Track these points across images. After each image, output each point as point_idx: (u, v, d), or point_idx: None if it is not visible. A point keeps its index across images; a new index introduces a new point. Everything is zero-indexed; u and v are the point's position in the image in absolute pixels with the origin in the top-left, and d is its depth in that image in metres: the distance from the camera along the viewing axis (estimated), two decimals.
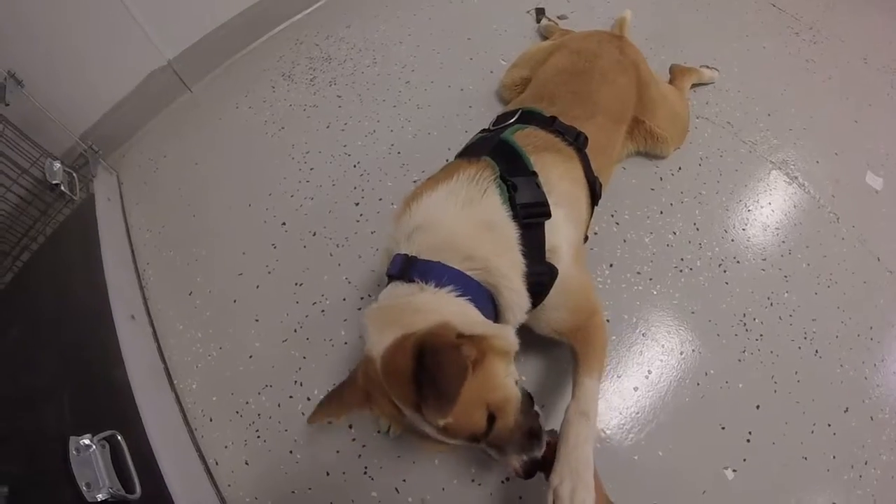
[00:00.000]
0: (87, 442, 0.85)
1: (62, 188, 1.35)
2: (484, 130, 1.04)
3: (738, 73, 1.57)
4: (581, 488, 0.70)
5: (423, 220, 0.79)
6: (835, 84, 1.58)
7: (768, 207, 1.26)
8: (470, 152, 0.92)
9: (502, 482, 0.93)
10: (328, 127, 1.47)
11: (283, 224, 1.30)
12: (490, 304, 0.77)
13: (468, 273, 0.75)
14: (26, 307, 1.06)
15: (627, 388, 1.02)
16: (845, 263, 1.20)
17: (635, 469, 0.94)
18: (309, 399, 1.06)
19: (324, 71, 1.62)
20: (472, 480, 0.94)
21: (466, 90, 1.50)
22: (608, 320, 1.07)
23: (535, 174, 0.83)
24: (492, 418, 0.68)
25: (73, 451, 0.83)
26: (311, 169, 1.38)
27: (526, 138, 0.91)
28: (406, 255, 0.76)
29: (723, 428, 0.97)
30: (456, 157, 0.97)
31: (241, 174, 1.44)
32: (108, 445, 0.88)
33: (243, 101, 1.62)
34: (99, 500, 0.81)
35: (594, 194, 0.97)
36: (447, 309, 0.71)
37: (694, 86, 1.50)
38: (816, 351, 1.08)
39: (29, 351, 0.97)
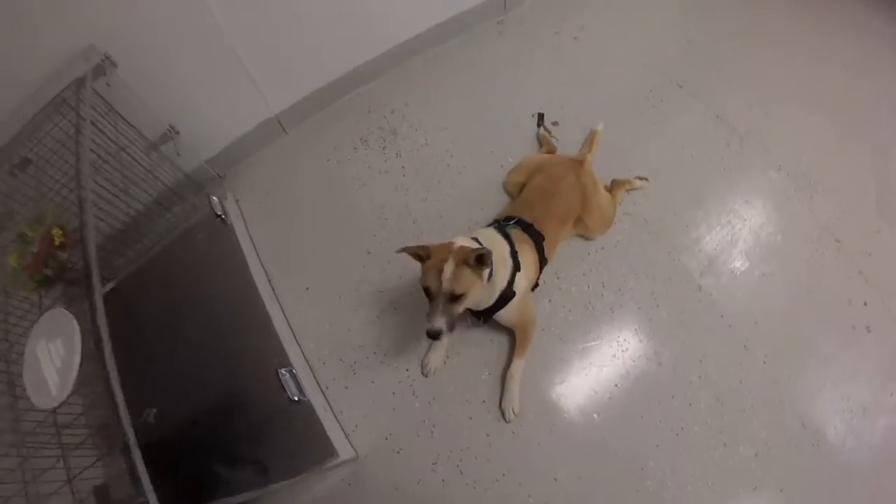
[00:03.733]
0: (284, 371, 1.77)
1: (223, 217, 2.15)
2: (496, 221, 1.89)
3: (663, 177, 2.27)
4: (511, 405, 1.81)
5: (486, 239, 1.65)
6: (741, 189, 2.27)
7: (651, 277, 2.07)
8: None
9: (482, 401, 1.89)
10: (395, 189, 2.30)
11: (369, 253, 2.16)
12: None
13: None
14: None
15: (550, 364, 1.95)
16: (695, 317, 2.00)
17: (545, 403, 1.88)
18: (385, 354, 1.97)
19: (391, 143, 2.43)
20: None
21: (485, 178, 2.27)
22: (542, 329, 1.97)
23: (516, 252, 1.73)
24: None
25: (281, 375, 1.75)
26: (386, 219, 2.23)
27: (516, 235, 1.79)
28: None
29: (595, 392, 1.90)
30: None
31: (336, 212, 2.26)
32: (290, 374, 1.79)
33: (332, 155, 2.41)
34: (295, 399, 1.73)
35: (542, 264, 1.87)
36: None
37: (629, 191, 2.25)
38: (660, 363, 1.91)
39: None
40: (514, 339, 1.91)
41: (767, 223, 2.27)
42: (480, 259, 1.46)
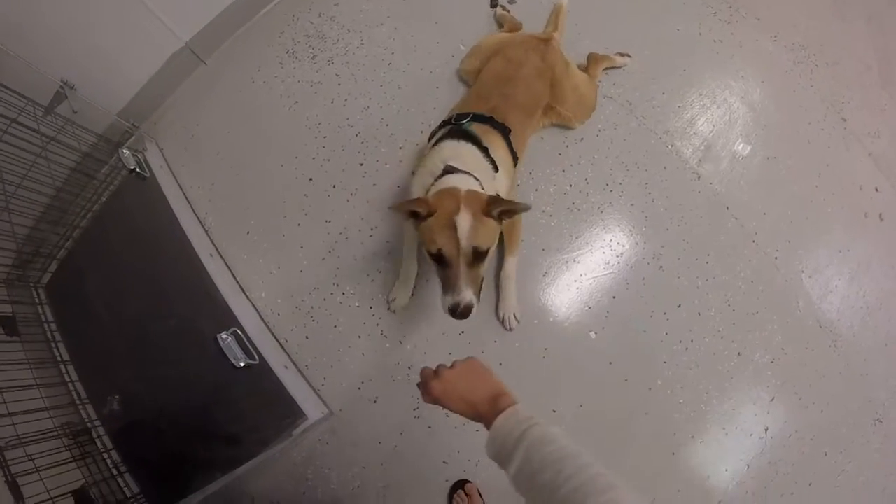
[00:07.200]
0: (224, 335, 1.47)
1: (138, 170, 1.80)
2: (446, 123, 1.51)
3: (647, 55, 1.99)
4: (512, 310, 1.59)
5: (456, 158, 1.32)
6: (735, 63, 2.03)
7: (643, 168, 1.83)
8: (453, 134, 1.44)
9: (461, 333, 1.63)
10: (332, 102, 1.93)
11: (311, 179, 1.82)
12: None
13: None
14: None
15: (534, 279, 1.69)
16: (697, 210, 1.78)
17: (535, 326, 1.63)
18: (343, 293, 1.69)
19: (321, 50, 2.03)
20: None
21: (434, 73, 1.96)
22: (523, 240, 1.68)
23: (487, 148, 1.38)
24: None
25: (221, 341, 1.45)
26: (325, 137, 1.87)
27: (477, 129, 1.43)
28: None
29: (589, 308, 1.66)
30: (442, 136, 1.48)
31: (270, 141, 1.90)
32: (233, 336, 1.51)
33: (257, 75, 2.01)
34: (241, 365, 1.45)
35: (514, 160, 1.54)
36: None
37: (607, 69, 1.93)
38: (661, 266, 1.72)
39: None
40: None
41: (767, 101, 2.03)
42: (496, 205, 1.16)
